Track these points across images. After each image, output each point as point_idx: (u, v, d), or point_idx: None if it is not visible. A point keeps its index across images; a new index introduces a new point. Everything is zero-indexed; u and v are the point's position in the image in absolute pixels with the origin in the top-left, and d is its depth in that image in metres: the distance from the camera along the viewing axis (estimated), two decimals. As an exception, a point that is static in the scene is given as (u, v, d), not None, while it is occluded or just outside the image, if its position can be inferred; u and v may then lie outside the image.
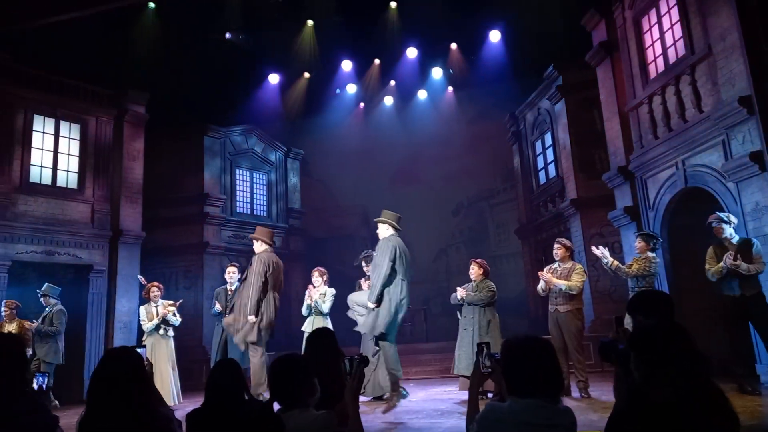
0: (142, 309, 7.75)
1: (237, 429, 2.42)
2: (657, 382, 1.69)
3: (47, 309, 8.21)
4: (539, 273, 6.78)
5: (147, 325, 7.54)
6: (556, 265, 6.76)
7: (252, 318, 6.41)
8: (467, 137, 15.77)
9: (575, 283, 6.47)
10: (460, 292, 6.95)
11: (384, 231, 6.25)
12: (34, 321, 8.11)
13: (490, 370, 2.33)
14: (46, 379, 2.65)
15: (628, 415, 1.75)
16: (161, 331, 7.54)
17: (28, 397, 2.35)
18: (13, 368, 2.32)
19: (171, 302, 7.80)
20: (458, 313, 7.16)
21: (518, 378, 1.92)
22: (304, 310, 7.48)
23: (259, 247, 6.85)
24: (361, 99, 15.75)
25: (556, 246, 6.83)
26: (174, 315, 7.66)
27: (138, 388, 2.17)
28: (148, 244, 11.63)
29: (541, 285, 6.72)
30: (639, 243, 6.47)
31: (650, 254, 6.32)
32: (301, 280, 13.78)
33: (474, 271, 7.04)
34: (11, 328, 7.88)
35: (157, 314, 7.55)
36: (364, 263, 7.44)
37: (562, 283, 6.46)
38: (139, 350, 2.37)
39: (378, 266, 5.99)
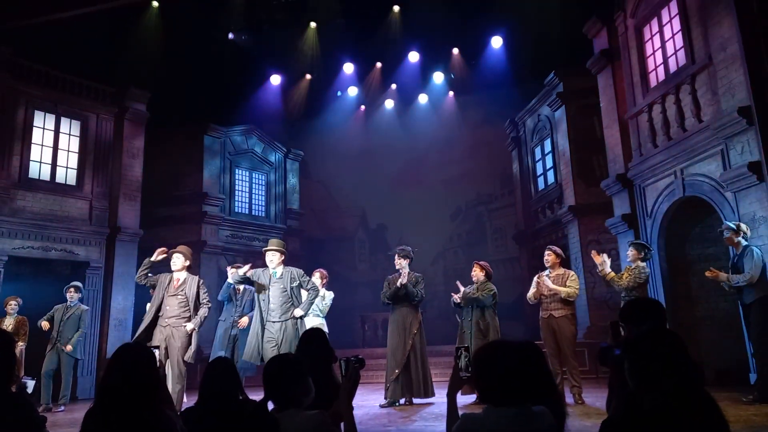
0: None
1: (231, 428, 2.42)
2: (649, 389, 1.69)
3: (72, 303, 8.24)
4: (538, 278, 6.75)
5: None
6: (546, 271, 6.77)
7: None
8: (467, 142, 15.79)
9: (574, 290, 6.52)
10: (457, 295, 6.95)
11: (277, 259, 6.12)
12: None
13: (468, 375, 2.29)
14: (33, 383, 2.63)
15: (620, 422, 1.75)
16: None
17: (13, 396, 2.34)
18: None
19: None
20: (457, 316, 7.15)
21: (490, 385, 1.89)
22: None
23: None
24: (362, 102, 15.78)
25: (546, 252, 6.85)
26: None
27: (148, 386, 2.17)
28: (146, 242, 11.58)
29: (531, 292, 6.72)
30: (631, 251, 6.50)
31: (641, 263, 6.34)
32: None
33: (476, 272, 7.03)
34: (9, 323, 7.87)
35: None
36: (397, 257, 7.26)
37: (562, 290, 6.48)
38: (152, 349, 2.36)
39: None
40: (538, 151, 13.44)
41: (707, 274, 5.97)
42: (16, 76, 10.07)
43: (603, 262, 6.48)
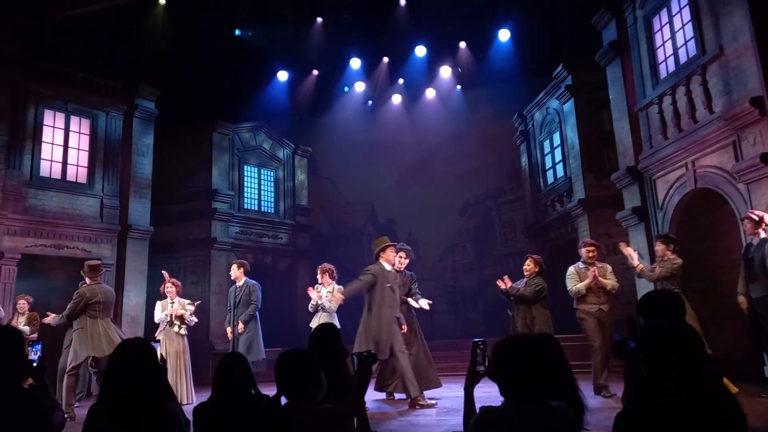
0: (158, 304, 7.76)
1: (244, 423, 2.43)
2: (665, 381, 1.68)
3: None
4: (577, 270, 6.74)
5: (159, 317, 7.63)
6: (578, 264, 6.78)
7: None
8: (475, 136, 15.74)
9: (616, 282, 6.64)
10: (503, 284, 6.84)
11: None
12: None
13: (484, 369, 2.29)
14: (40, 347, 2.62)
15: (636, 415, 1.74)
16: (176, 328, 7.57)
17: (25, 392, 2.36)
18: (5, 362, 2.32)
19: (189, 302, 7.85)
20: (508, 310, 7.04)
21: (509, 378, 1.89)
22: (310, 307, 7.49)
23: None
24: (370, 97, 15.74)
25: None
26: (191, 315, 7.71)
27: (150, 380, 2.18)
28: (156, 239, 11.69)
29: (584, 284, 6.60)
30: (659, 246, 6.43)
31: (671, 255, 6.27)
32: (307, 276, 13.82)
33: (529, 266, 6.88)
34: (22, 321, 7.99)
35: (172, 311, 7.60)
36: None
37: (608, 283, 6.54)
38: (153, 344, 2.38)
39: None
40: (546, 144, 13.37)
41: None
42: (25, 74, 10.12)
43: (631, 254, 6.43)
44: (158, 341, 2.70)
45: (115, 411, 2.10)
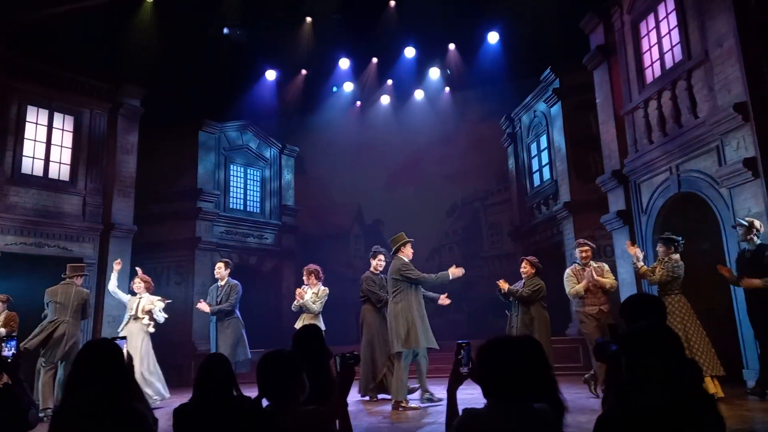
0: (129, 298, 7.79)
1: (225, 425, 2.39)
2: (647, 384, 1.68)
3: None
4: (574, 271, 6.80)
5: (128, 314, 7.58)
6: (574, 265, 6.84)
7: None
8: (463, 138, 15.77)
9: (614, 281, 6.68)
10: (503, 285, 6.86)
11: None
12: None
13: (467, 370, 2.28)
14: (15, 344, 2.59)
15: (617, 417, 1.74)
16: (144, 321, 7.51)
17: (1, 391, 2.32)
18: None
19: (160, 298, 7.78)
20: (507, 311, 7.09)
21: (494, 380, 1.89)
22: (293, 307, 7.45)
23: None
24: (358, 97, 15.72)
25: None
26: (160, 311, 7.61)
27: (116, 380, 2.15)
28: (140, 239, 11.56)
29: (581, 285, 6.62)
30: (660, 247, 6.38)
31: (673, 257, 6.22)
32: (293, 276, 13.73)
33: (526, 268, 6.94)
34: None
35: (138, 306, 7.54)
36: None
37: (607, 282, 6.55)
38: (118, 342, 2.35)
39: None
40: (534, 147, 13.43)
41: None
42: (9, 71, 9.97)
43: (637, 254, 6.43)
44: (124, 338, 2.66)
45: (82, 411, 2.05)
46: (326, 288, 7.45)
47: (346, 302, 13.35)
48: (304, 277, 7.45)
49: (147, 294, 7.75)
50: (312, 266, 7.52)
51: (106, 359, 2.17)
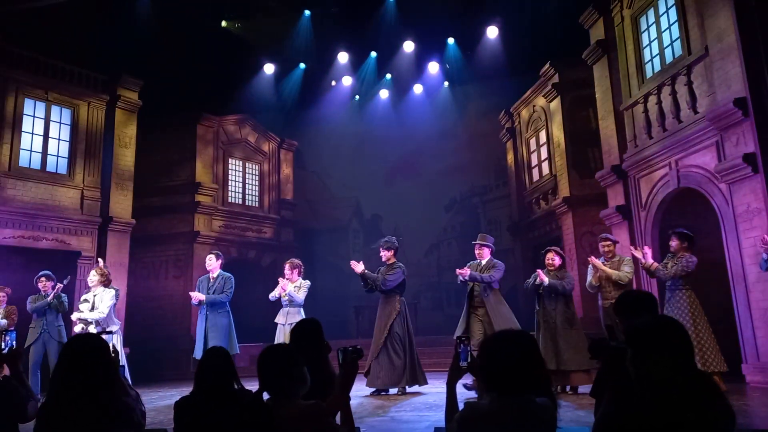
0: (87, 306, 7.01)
1: (226, 418, 2.39)
2: (653, 378, 1.67)
3: (47, 293, 8.03)
4: (593, 262, 6.65)
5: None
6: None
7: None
8: (462, 132, 15.75)
9: (625, 274, 6.41)
10: (542, 276, 6.51)
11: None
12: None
13: (466, 365, 2.27)
14: (14, 337, 2.60)
15: (619, 413, 1.74)
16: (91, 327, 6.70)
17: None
18: None
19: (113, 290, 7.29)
20: (536, 304, 6.73)
21: (498, 375, 1.88)
22: (271, 297, 7.38)
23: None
24: (357, 92, 15.66)
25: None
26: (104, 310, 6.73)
27: (102, 374, 2.14)
28: (138, 233, 11.53)
29: (592, 277, 6.59)
30: (674, 241, 6.29)
31: (686, 252, 6.15)
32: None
33: (555, 260, 6.64)
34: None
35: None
36: (381, 249, 7.43)
37: (613, 273, 6.38)
38: (104, 337, 2.36)
39: None
40: (533, 142, 13.42)
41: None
42: (5, 63, 9.91)
43: (644, 255, 6.39)
44: (110, 332, 2.67)
45: (69, 406, 2.05)
46: (307, 281, 7.35)
47: (348, 296, 13.32)
48: (287, 270, 7.32)
49: (101, 288, 6.88)
50: (297, 261, 7.42)
51: (92, 353, 2.17)
